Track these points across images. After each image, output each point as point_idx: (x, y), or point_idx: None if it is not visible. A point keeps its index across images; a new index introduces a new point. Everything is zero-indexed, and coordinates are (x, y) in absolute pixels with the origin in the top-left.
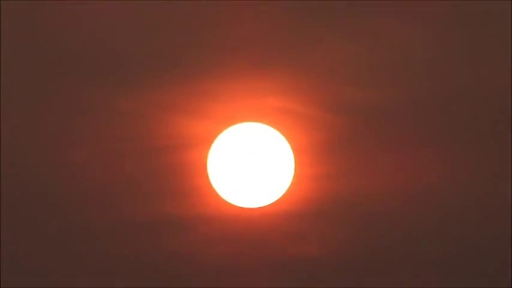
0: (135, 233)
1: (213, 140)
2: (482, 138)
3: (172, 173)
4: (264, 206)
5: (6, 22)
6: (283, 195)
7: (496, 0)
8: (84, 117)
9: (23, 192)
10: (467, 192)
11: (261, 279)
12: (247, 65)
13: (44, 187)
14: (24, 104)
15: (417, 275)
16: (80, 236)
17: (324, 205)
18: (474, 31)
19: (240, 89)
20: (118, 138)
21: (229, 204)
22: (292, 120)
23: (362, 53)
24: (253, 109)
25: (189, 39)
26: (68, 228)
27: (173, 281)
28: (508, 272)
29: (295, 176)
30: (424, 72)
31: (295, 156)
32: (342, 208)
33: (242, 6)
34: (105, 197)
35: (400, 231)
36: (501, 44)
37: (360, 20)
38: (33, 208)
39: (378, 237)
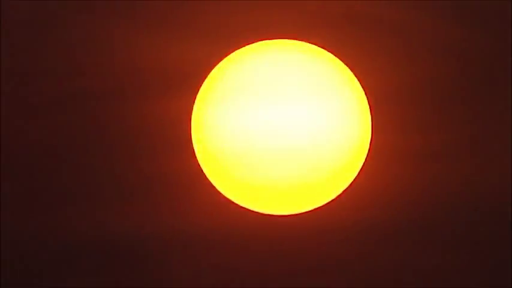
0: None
1: (204, 78)
2: None
3: (133, 146)
4: (304, 212)
5: None
6: (347, 187)
7: None
8: None
9: None
10: None
11: None
12: None
13: None
14: None
15: None
16: None
17: (423, 206)
18: None
19: None
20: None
21: (239, 206)
22: (365, 41)
23: None
24: (287, 18)
25: None
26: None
27: None
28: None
29: (372, 148)
30: None
31: (371, 112)
32: (449, 211)
33: None
34: None
35: None
36: None
37: None
38: None
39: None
